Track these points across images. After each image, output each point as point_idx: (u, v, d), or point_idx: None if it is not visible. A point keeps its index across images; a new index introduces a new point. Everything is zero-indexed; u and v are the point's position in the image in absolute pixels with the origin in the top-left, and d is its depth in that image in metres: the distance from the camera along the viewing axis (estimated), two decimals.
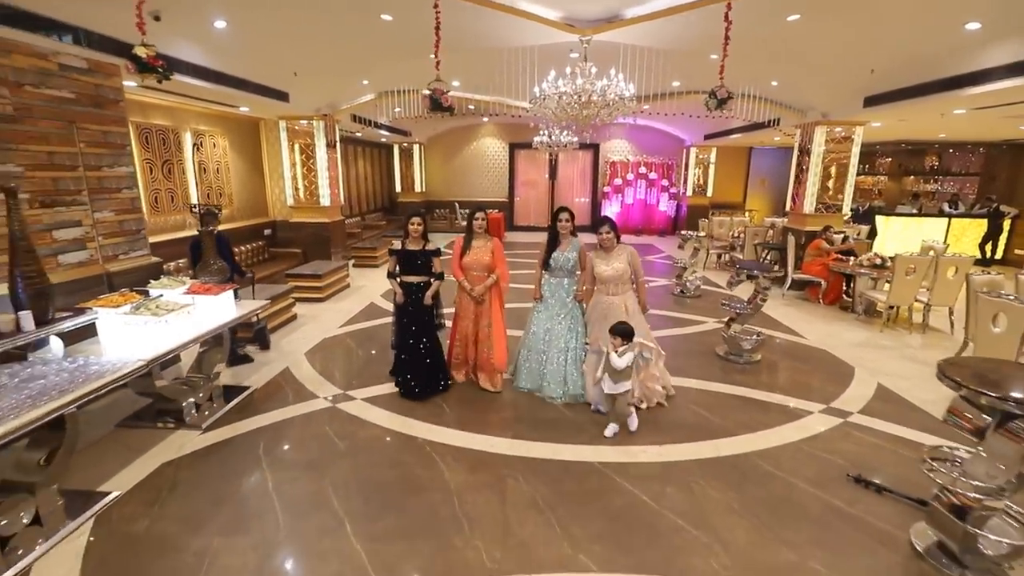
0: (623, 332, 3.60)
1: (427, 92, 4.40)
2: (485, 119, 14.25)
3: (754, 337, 5.32)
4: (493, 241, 4.23)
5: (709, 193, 14.51)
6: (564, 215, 4.12)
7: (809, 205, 8.36)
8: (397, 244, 4.11)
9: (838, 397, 4.47)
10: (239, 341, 5.12)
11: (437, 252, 4.11)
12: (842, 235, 7.91)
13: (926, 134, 10.80)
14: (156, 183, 6.39)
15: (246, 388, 4.38)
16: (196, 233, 4.46)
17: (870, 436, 3.77)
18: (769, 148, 14.93)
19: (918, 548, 2.55)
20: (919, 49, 5.70)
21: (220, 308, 3.88)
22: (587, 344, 4.14)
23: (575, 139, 11.39)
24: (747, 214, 14.82)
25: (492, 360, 4.25)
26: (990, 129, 9.57)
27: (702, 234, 10.51)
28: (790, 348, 5.75)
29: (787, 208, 9.03)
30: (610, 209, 15.30)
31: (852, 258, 7.54)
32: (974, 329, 4.57)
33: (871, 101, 7.00)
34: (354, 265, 10.02)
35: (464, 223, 4.27)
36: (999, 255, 11.07)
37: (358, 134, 12.15)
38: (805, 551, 2.56)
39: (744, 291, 6.69)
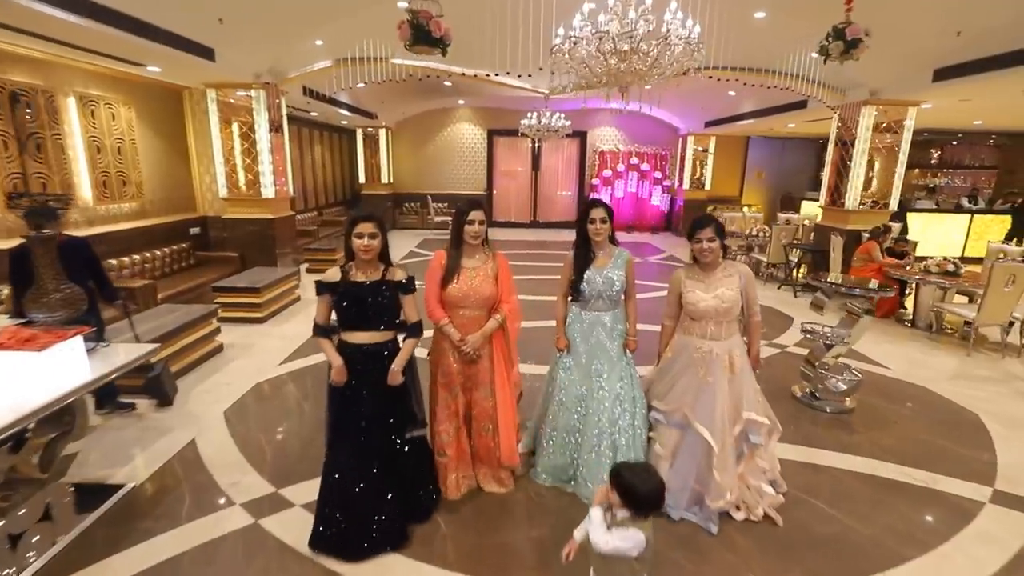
0: (637, 492, 1.69)
1: (406, 10, 2.81)
2: (461, 101, 12.64)
3: (850, 378, 3.98)
4: (497, 259, 2.60)
5: (707, 186, 13.30)
6: (598, 212, 2.59)
7: (852, 201, 7.14)
8: (332, 273, 2.33)
9: (994, 469, 3.18)
10: (112, 398, 3.46)
11: (407, 285, 2.36)
12: (893, 236, 6.72)
13: (966, 121, 9.68)
14: (12, 164, 4.55)
15: (117, 488, 2.74)
16: (22, 242, 2.73)
17: None
18: (765, 139, 13.84)
19: None
20: None
21: (57, 368, 2.24)
22: (656, 411, 2.68)
23: (568, 122, 9.91)
24: (745, 209, 13.74)
25: (498, 453, 2.66)
26: None
27: None
28: (878, 385, 4.43)
29: (821, 204, 7.81)
30: None
31: (907, 262, 6.37)
32: None
33: (943, 74, 5.77)
34: (308, 270, 8.29)
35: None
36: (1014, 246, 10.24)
37: (313, 114, 10.34)
38: None
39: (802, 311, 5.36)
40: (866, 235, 6.81)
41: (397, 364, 2.35)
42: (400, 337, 2.44)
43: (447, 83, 9.68)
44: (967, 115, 8.44)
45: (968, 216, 10.44)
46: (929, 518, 2.71)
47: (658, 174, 13.90)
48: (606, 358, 2.67)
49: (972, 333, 5.25)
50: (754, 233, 9.06)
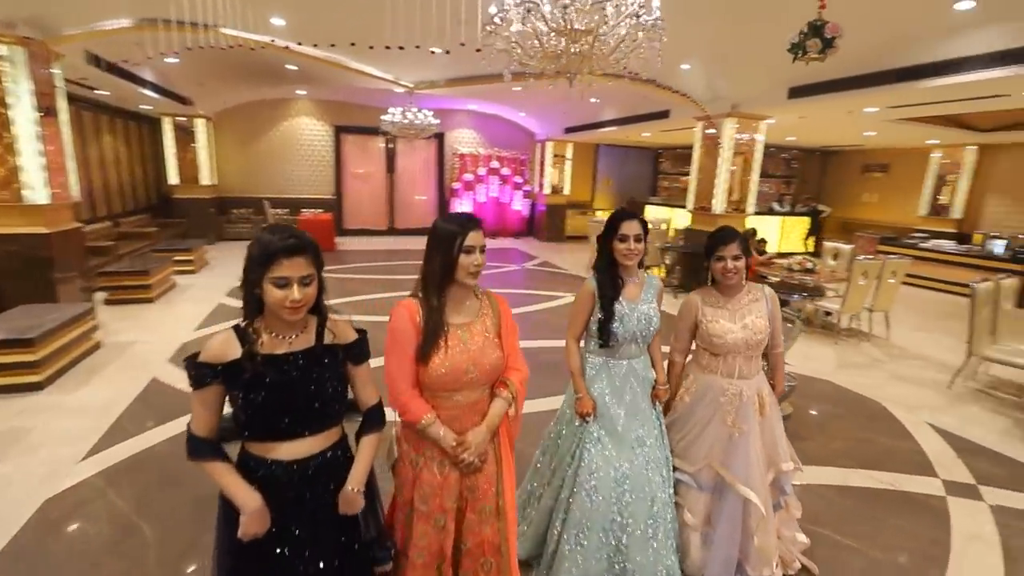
0: None
1: None
2: (301, 91, 10.91)
3: (787, 383, 3.94)
4: (495, 303, 1.69)
5: (567, 191, 13.55)
6: (633, 227, 1.91)
7: (720, 206, 7.61)
8: (221, 343, 1.28)
9: (925, 458, 3.43)
10: None
11: (360, 349, 1.46)
12: (761, 238, 7.30)
13: (780, 136, 11.17)
14: None
15: None
16: None
17: None
18: (611, 147, 14.66)
19: None
20: (885, 32, 5.00)
21: None
22: (679, 471, 2.12)
23: (436, 121, 9.08)
24: (595, 214, 14.38)
25: None
26: (843, 135, 10.24)
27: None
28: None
29: (690, 208, 8.23)
30: (461, 208, 13.30)
31: (770, 261, 6.97)
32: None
33: (797, 92, 6.34)
34: (108, 302, 6.15)
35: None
36: (812, 248, 12.31)
37: (102, 92, 7.88)
38: None
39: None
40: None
41: (354, 482, 1.41)
42: (347, 433, 1.50)
43: (291, 67, 8.12)
44: (787, 131, 9.71)
45: (778, 218, 12.21)
46: (920, 527, 2.73)
47: (518, 179, 13.78)
48: (645, 419, 2.01)
49: (837, 323, 5.86)
50: None
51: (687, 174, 15.04)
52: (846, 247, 7.16)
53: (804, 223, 12.32)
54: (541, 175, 13.47)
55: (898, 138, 9.80)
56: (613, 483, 1.91)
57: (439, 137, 12.90)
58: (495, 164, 13.43)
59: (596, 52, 2.94)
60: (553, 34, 2.94)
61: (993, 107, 6.72)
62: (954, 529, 2.70)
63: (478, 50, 3.32)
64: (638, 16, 2.70)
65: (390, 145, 12.62)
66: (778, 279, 6.00)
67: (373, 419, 1.50)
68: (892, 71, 5.20)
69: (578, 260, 10.78)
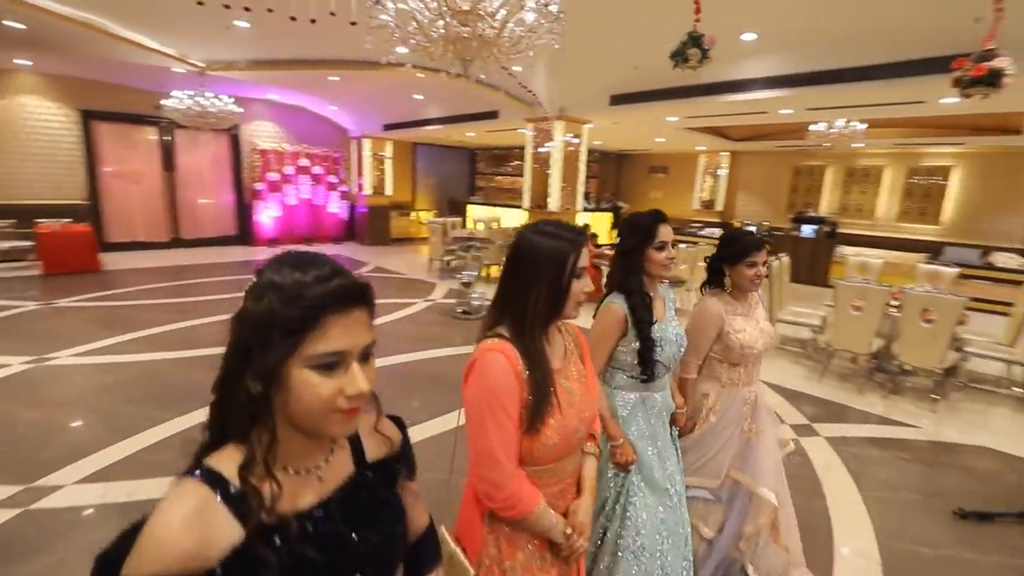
0: None
1: None
2: (25, 62, 8.17)
3: None
4: (576, 334, 1.34)
5: (389, 192, 12.87)
6: (668, 231, 1.73)
7: (555, 203, 7.99)
8: (176, 537, 0.60)
9: (775, 411, 3.96)
10: None
11: (407, 460, 0.96)
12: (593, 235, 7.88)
13: (593, 140, 12.31)
14: None
15: None
16: None
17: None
18: (430, 146, 14.45)
19: None
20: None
21: None
22: (694, 488, 1.99)
23: (240, 110, 7.68)
24: (416, 215, 14.06)
25: None
26: (638, 141, 11.63)
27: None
28: None
29: (526, 206, 8.47)
30: (267, 213, 11.64)
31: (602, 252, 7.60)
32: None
33: (618, 100, 6.97)
34: None
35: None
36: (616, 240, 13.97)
37: None
38: None
39: None
40: None
41: None
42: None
43: (13, 24, 5.95)
44: (596, 136, 10.72)
45: (588, 214, 13.50)
46: (792, 467, 3.06)
47: (333, 179, 12.60)
48: (670, 452, 1.78)
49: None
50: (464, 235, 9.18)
51: (504, 174, 15.90)
52: None
53: (608, 218, 13.86)
54: (360, 175, 12.55)
55: (677, 144, 11.64)
56: (656, 535, 1.65)
57: (232, 131, 11.03)
58: (305, 162, 12.05)
59: (493, 38, 2.68)
60: (434, 13, 2.58)
61: (749, 121, 8.36)
62: (814, 463, 3.23)
63: (353, 23, 2.76)
64: (547, 4, 2.53)
65: (166, 138, 10.34)
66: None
67: (432, 551, 1.01)
68: (697, 86, 6.02)
69: (412, 263, 10.34)
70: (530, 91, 6.91)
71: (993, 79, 3.39)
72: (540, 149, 7.97)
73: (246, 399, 0.67)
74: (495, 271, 8.76)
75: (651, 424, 1.73)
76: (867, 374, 4.79)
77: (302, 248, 0.73)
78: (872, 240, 10.16)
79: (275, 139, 11.80)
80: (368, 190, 12.49)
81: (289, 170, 11.86)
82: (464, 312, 6.35)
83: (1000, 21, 3.32)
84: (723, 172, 12.37)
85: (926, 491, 3.04)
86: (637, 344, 1.65)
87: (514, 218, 11.61)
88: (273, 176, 11.63)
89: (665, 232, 1.72)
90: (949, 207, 9.63)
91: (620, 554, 1.62)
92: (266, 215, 11.65)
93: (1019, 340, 4.74)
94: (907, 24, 4.32)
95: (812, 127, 7.81)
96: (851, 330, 4.58)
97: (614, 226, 13.92)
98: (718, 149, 11.89)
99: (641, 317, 1.65)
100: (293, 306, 0.65)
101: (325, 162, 12.41)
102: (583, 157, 8.24)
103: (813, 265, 8.97)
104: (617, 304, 1.68)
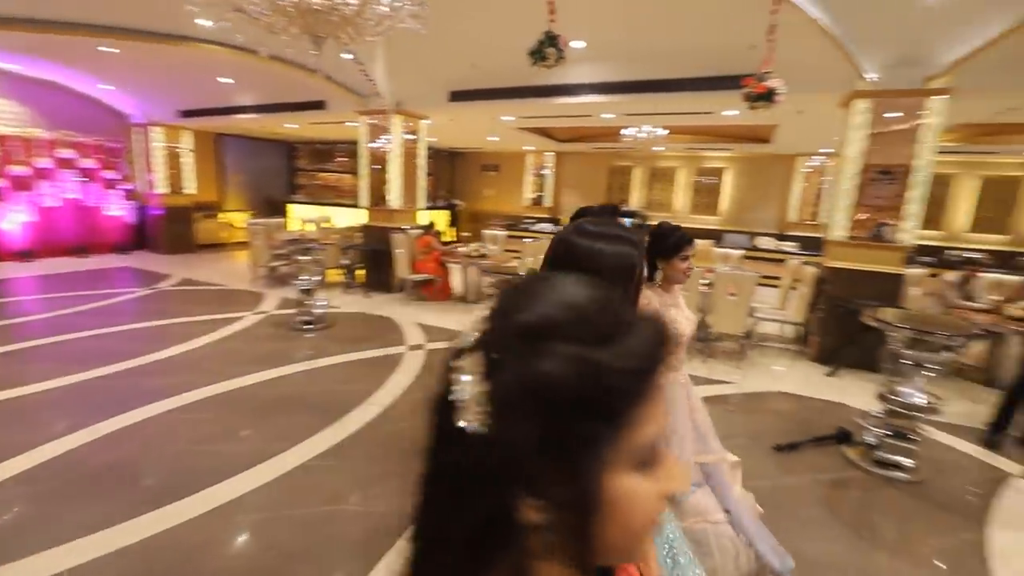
0: None
1: None
2: None
3: None
4: None
5: (190, 190, 11.00)
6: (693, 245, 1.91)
7: (396, 201, 7.66)
8: None
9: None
10: None
11: None
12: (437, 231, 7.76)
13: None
14: None
15: None
16: None
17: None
18: (238, 139, 12.73)
19: None
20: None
21: None
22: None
23: None
24: (227, 216, 12.36)
25: None
26: (471, 139, 11.71)
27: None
28: None
29: (364, 204, 7.95)
30: (12, 218, 9.03)
31: (451, 250, 7.58)
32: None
33: (457, 96, 6.94)
34: None
35: None
36: (455, 236, 14.09)
37: None
38: None
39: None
40: (419, 231, 7.58)
41: None
42: None
43: None
44: (431, 133, 10.55)
45: (427, 212, 13.32)
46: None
47: (112, 174, 10.32)
48: None
49: None
50: (288, 240, 8.28)
51: (329, 170, 14.79)
52: (502, 233, 8.43)
53: (446, 215, 13.86)
54: (149, 170, 10.49)
55: (508, 144, 12.12)
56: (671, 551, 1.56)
57: None
58: (68, 153, 9.65)
59: (352, 16, 2.41)
60: None
61: (574, 124, 9.09)
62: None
63: None
64: None
65: None
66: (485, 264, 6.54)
67: None
68: (533, 88, 6.30)
69: (230, 272, 9.01)
70: (370, 80, 6.50)
71: (770, 96, 4.17)
72: (375, 144, 7.56)
73: (491, 541, 0.41)
74: (334, 275, 8.11)
75: None
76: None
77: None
78: None
79: (17, 122, 9.20)
80: (162, 188, 10.53)
81: (45, 163, 9.37)
82: (307, 323, 5.72)
83: (773, 51, 4.09)
84: (548, 171, 13.27)
85: (750, 434, 3.63)
86: None
87: (348, 217, 10.91)
88: (19, 170, 9.07)
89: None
90: (725, 201, 11.76)
91: None
92: (10, 220, 9.03)
93: (787, 305, 6.00)
94: (702, 46, 5.08)
95: (624, 131, 8.80)
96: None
97: (452, 223, 13.99)
98: (544, 149, 12.70)
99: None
100: (629, 370, 0.39)
101: (99, 154, 10.10)
102: (423, 153, 8.05)
103: None
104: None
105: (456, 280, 7.70)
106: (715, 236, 10.74)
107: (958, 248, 9.18)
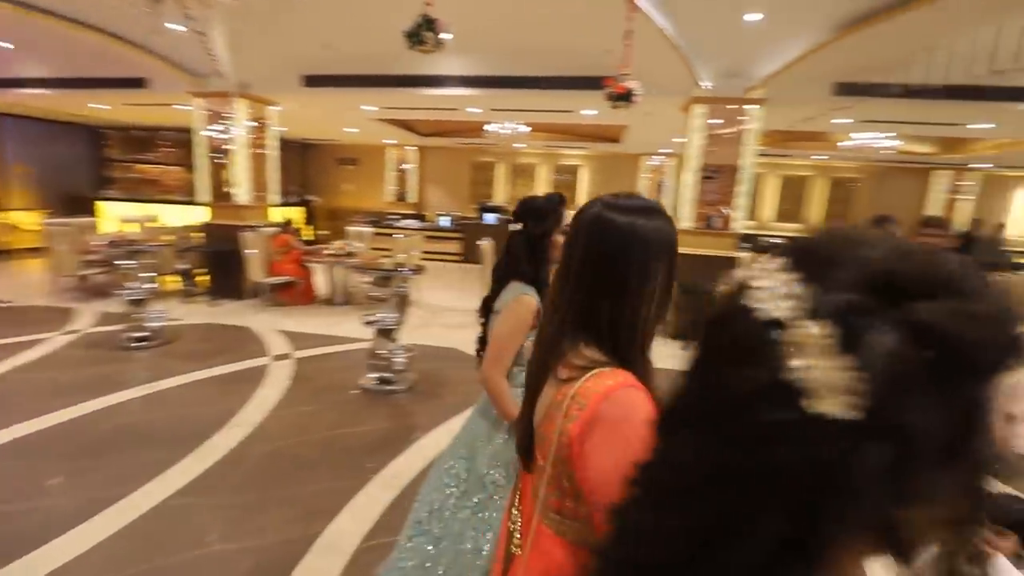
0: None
1: None
2: None
3: (407, 353, 4.21)
4: None
5: None
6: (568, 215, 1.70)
7: (244, 195, 6.82)
8: None
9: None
10: None
11: None
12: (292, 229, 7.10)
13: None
14: None
15: None
16: None
17: None
18: (22, 120, 10.30)
19: None
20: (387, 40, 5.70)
21: None
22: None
23: None
24: (8, 216, 10.02)
25: None
26: (326, 130, 10.83)
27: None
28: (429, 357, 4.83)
29: (205, 200, 6.94)
30: None
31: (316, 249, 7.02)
32: None
33: (313, 81, 6.38)
34: None
35: None
36: (312, 235, 13.09)
37: None
38: None
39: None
40: (275, 229, 6.88)
41: None
42: None
43: None
44: (281, 121, 9.60)
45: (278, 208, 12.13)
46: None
47: None
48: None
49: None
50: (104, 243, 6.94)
51: (148, 162, 12.69)
52: (368, 230, 8.01)
53: (300, 212, 12.77)
54: None
55: (367, 137, 11.54)
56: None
57: None
58: None
59: None
60: None
61: (438, 117, 8.96)
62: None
63: None
64: None
65: None
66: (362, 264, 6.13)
67: None
68: (399, 77, 6.05)
69: (20, 284, 7.32)
70: (211, 56, 5.66)
71: (629, 96, 4.50)
72: (212, 131, 6.64)
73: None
74: (170, 282, 6.98)
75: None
76: None
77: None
78: None
79: None
80: None
81: None
82: (139, 339, 4.83)
83: (630, 55, 4.41)
84: (411, 166, 12.93)
85: None
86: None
87: (180, 215, 9.53)
88: None
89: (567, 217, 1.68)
90: (582, 196, 12.56)
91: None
92: None
93: None
94: (565, 46, 5.31)
95: (487, 127, 8.90)
96: None
97: (308, 221, 12.95)
98: (406, 143, 12.34)
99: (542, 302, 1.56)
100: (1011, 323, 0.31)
101: None
102: (274, 143, 7.29)
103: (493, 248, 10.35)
104: (530, 295, 1.53)
105: (320, 281, 7.14)
106: None
107: (767, 235, 10.97)
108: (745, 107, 5.35)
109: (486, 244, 6.18)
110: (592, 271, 0.81)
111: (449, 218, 11.45)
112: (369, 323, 4.12)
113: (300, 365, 4.57)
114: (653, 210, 0.83)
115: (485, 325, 1.67)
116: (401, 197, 13.08)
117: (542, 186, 12.49)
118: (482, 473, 1.53)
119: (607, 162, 12.32)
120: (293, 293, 6.69)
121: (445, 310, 6.85)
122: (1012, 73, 4.07)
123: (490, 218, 11.15)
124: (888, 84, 4.92)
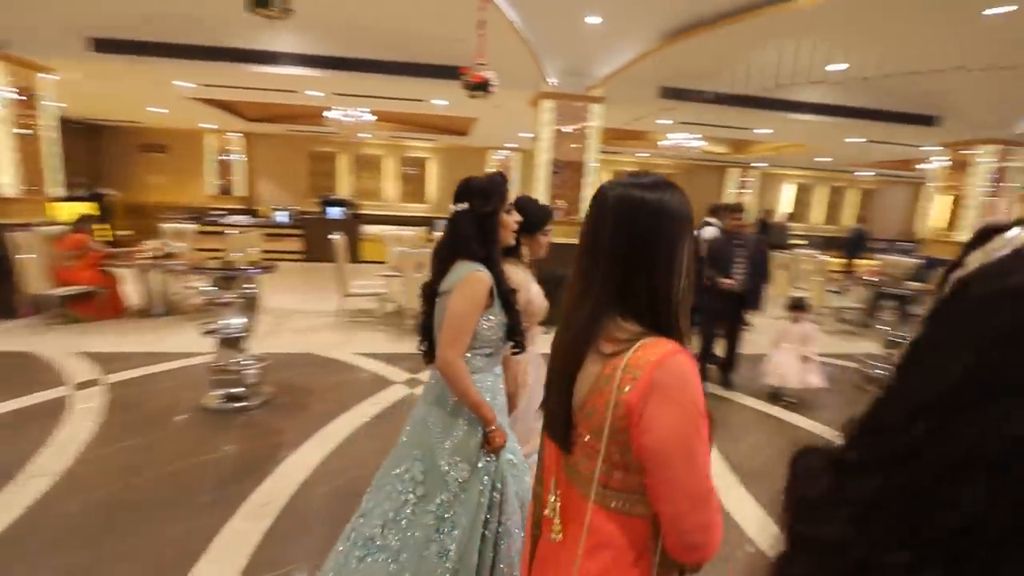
0: None
1: None
2: None
3: (258, 363, 3.73)
4: None
5: None
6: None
7: (12, 188, 5.37)
8: None
9: (383, 377, 4.24)
10: None
11: None
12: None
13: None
14: None
15: None
16: None
17: None
18: None
19: None
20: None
21: None
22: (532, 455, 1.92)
23: None
24: None
25: None
26: (125, 109, 8.97)
27: None
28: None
29: None
30: None
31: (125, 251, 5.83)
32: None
33: (104, 46, 5.24)
34: None
35: None
36: (110, 236, 10.87)
37: None
38: None
39: None
40: (63, 228, 5.56)
41: None
42: None
43: None
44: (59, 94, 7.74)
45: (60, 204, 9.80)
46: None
47: None
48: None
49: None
50: None
51: None
52: (191, 227, 6.92)
53: (92, 207, 10.49)
54: None
55: (178, 119, 9.90)
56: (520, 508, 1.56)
57: None
58: None
59: None
60: None
61: (271, 99, 8.07)
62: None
63: None
64: None
65: None
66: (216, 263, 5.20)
67: None
68: (223, 49, 5.28)
69: None
70: None
71: (486, 86, 4.53)
72: None
73: None
74: None
75: (498, 401, 1.61)
76: None
77: None
78: (385, 218, 11.90)
79: None
80: None
81: None
82: None
83: (484, 44, 4.43)
84: (237, 156, 11.48)
85: None
86: (504, 317, 1.53)
87: None
88: None
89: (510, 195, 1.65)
90: (432, 190, 12.41)
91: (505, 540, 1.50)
92: None
93: None
94: (415, 31, 5.14)
95: (328, 114, 8.27)
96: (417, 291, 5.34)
97: (103, 219, 10.69)
98: (229, 129, 10.89)
99: (506, 287, 1.55)
100: None
101: None
102: (51, 122, 5.85)
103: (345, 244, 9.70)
104: (481, 273, 1.48)
105: (131, 290, 5.96)
106: (427, 223, 11.26)
107: None
108: (589, 105, 5.76)
109: (338, 239, 5.75)
110: (627, 248, 0.82)
111: (287, 213, 10.40)
112: (209, 332, 3.54)
113: (116, 391, 3.75)
114: (672, 186, 0.86)
115: (428, 313, 1.60)
116: (226, 190, 11.54)
117: (390, 179, 12.06)
118: (443, 471, 1.46)
119: (455, 155, 12.36)
120: (95, 306, 5.47)
121: (294, 313, 6.22)
122: (788, 87, 5.01)
123: (335, 212, 10.39)
124: (702, 91, 5.72)
